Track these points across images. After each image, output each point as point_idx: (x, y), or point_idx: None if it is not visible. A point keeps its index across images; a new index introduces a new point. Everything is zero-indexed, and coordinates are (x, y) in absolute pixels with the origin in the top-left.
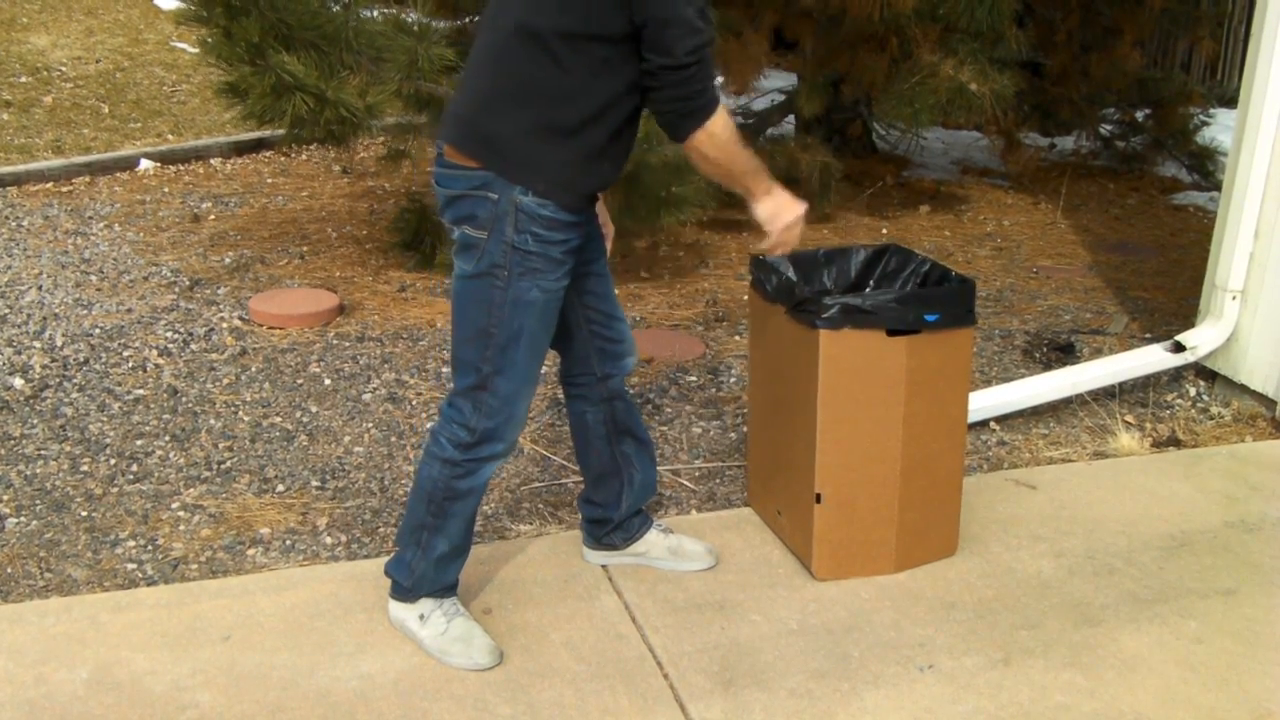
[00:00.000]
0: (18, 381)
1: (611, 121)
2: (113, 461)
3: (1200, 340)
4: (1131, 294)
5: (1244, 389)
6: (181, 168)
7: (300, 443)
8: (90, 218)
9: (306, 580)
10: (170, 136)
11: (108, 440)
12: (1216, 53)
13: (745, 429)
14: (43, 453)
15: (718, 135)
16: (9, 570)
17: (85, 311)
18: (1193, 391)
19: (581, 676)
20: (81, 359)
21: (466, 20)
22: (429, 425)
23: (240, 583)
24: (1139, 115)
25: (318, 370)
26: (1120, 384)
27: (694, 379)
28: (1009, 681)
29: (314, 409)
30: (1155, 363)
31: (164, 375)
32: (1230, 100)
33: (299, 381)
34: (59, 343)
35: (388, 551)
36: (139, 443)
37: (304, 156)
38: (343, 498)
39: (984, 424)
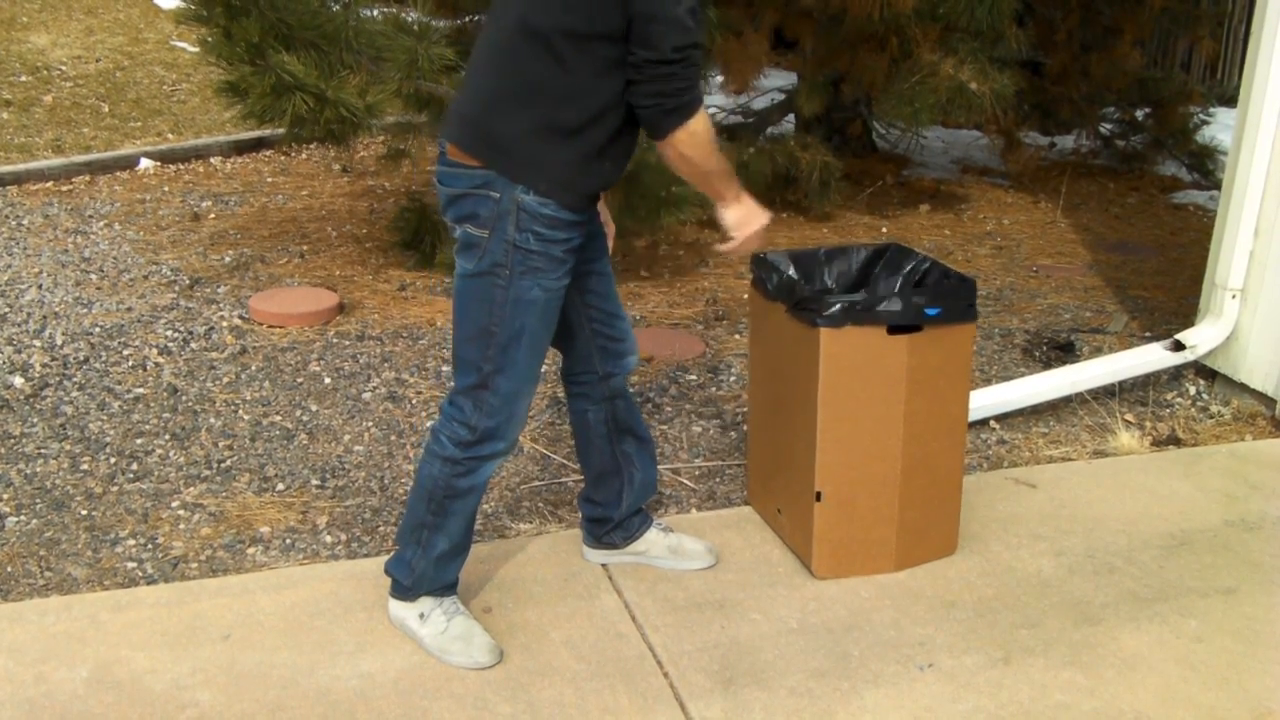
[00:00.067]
0: (18, 380)
1: (613, 122)
2: (113, 460)
3: (1200, 339)
4: (1131, 293)
5: (1244, 388)
6: (181, 167)
7: (300, 441)
8: (90, 217)
9: (306, 579)
10: (170, 135)
11: (108, 439)
12: (1216, 52)
13: (745, 428)
14: (43, 451)
15: (698, 134)
16: (9, 569)
17: (85, 310)
18: (1193, 390)
19: (581, 675)
20: (81, 358)
21: (466, 20)
22: (429, 424)
23: (240, 581)
24: (1139, 114)
25: (318, 369)
26: (1120, 383)
27: (694, 378)
28: (1009, 680)
29: (314, 408)
30: (1155, 361)
31: (164, 374)
32: (1230, 99)
33: (299, 380)
34: (59, 341)
35: (388, 550)
36: (139, 441)
37: (304, 155)
38: (343, 496)
39: (984, 423)
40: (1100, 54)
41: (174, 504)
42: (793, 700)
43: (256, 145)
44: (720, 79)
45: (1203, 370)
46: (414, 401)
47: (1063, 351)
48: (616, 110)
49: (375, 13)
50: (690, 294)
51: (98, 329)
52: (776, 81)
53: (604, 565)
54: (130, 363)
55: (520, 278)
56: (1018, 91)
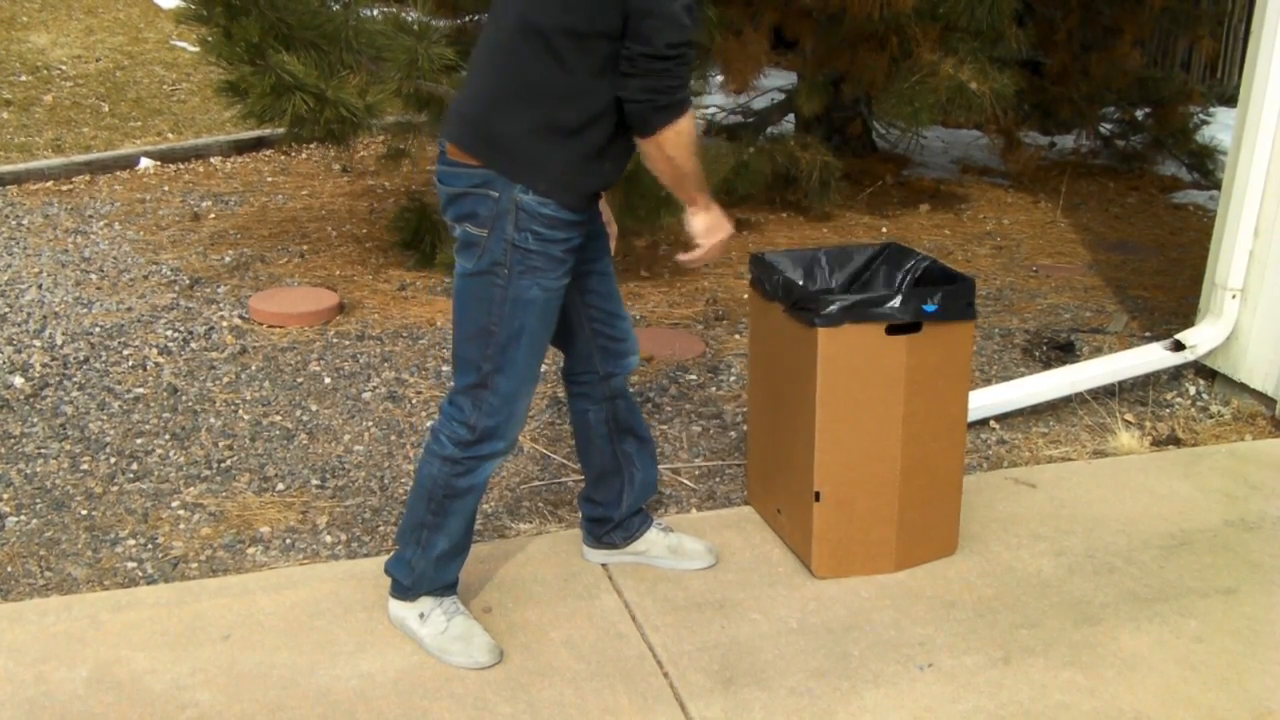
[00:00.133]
0: (18, 380)
1: (613, 122)
2: (113, 460)
3: (1200, 339)
4: (1131, 293)
5: (1244, 387)
6: (181, 166)
7: (300, 441)
8: (90, 216)
9: (306, 579)
10: (170, 135)
11: (108, 439)
12: (1216, 51)
13: (745, 427)
14: (43, 451)
15: (685, 134)
16: (9, 569)
17: (85, 310)
18: (1192, 390)
19: (581, 675)
20: (81, 357)
21: (466, 20)
22: (429, 423)
23: (240, 581)
24: (1139, 114)
25: (318, 369)
26: (1120, 383)
27: (694, 377)
28: (1009, 680)
29: (314, 408)
30: (1155, 361)
31: (164, 374)
32: (1230, 99)
33: (299, 380)
34: (59, 341)
35: (388, 550)
36: (139, 441)
37: (304, 155)
38: (342, 496)
39: (984, 423)
40: (1100, 54)
41: (174, 504)
42: (793, 700)
43: (256, 145)
44: (720, 78)
45: (1203, 370)
46: (414, 401)
47: (1063, 351)
48: (616, 110)
49: (375, 13)
50: (690, 294)
51: (98, 329)
52: (776, 81)
53: (604, 565)
54: (130, 363)
55: (519, 277)
56: (1018, 91)
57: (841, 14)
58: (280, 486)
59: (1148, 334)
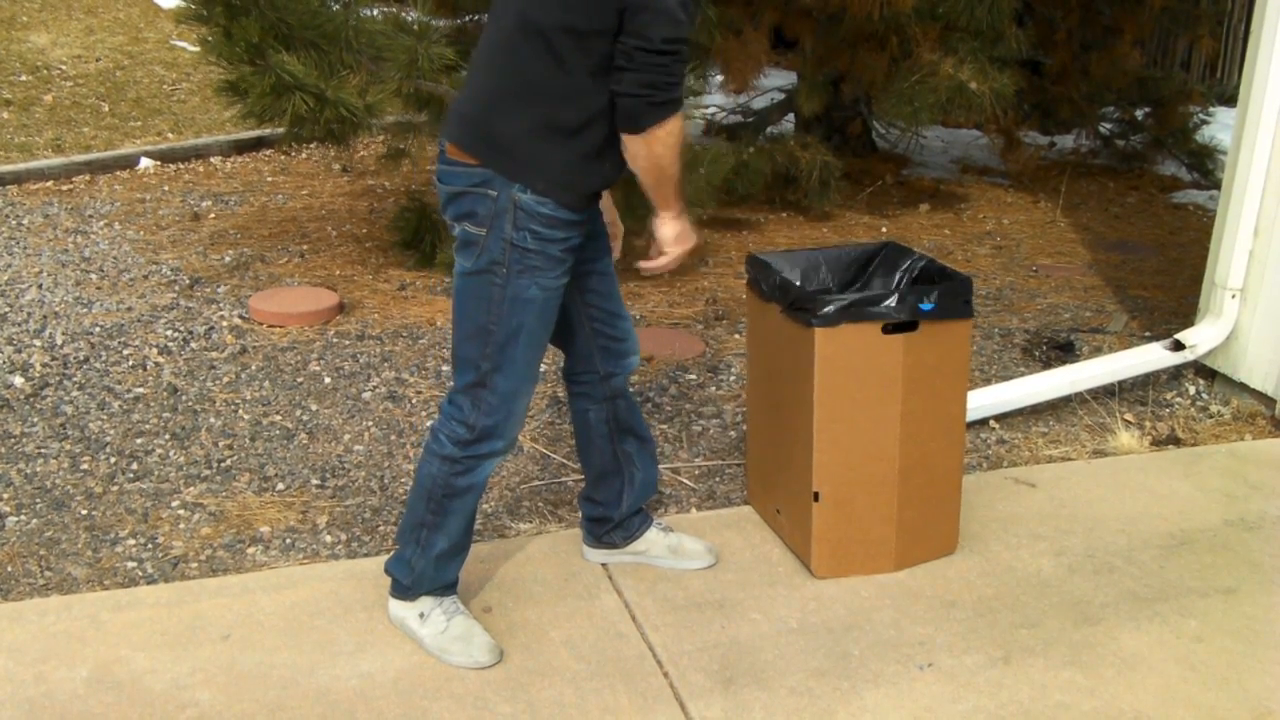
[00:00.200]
0: (18, 380)
1: (612, 121)
2: (113, 460)
3: (1200, 338)
4: (1131, 292)
5: (1243, 387)
6: (181, 166)
7: (300, 441)
8: (90, 216)
9: (306, 579)
10: (170, 135)
11: (108, 439)
12: (1216, 51)
13: (745, 427)
14: (43, 451)
15: (674, 135)
16: (9, 568)
17: (85, 310)
18: (1192, 390)
19: (581, 675)
20: (81, 357)
21: (466, 20)
22: (429, 423)
23: (240, 581)
24: (1139, 114)
25: (318, 369)
26: (1120, 382)
27: (694, 377)
28: (1009, 680)
29: (314, 407)
30: (1155, 361)
31: (164, 374)
32: (1230, 98)
33: (299, 380)
34: (59, 341)
35: (388, 550)
36: (139, 441)
37: (304, 155)
38: (342, 496)
39: (984, 422)
40: (1100, 53)
41: (174, 504)
42: (793, 700)
43: (256, 145)
44: (720, 78)
45: (1202, 370)
46: (414, 401)
47: (1062, 351)
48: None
49: (375, 12)
50: (690, 294)
51: (98, 329)
52: (776, 81)
53: (604, 565)
54: (130, 362)
55: (518, 276)
56: (1017, 91)
57: (841, 14)
58: (280, 486)
59: (1147, 334)
